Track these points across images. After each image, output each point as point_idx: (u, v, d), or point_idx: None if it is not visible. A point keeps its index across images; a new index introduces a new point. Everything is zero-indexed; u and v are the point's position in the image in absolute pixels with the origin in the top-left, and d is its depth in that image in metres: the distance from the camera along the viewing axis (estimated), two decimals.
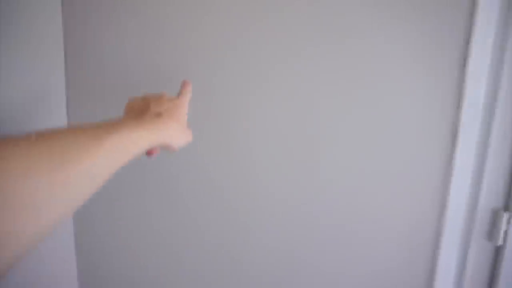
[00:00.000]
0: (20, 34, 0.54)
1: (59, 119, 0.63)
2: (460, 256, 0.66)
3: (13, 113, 0.53)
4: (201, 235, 0.68)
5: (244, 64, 0.62)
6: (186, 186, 0.66)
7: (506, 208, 0.64)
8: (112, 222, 0.68)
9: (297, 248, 0.67)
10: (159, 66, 0.63)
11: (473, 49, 0.57)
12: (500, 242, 0.64)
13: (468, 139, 0.60)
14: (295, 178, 0.65)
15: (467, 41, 0.57)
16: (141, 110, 0.45)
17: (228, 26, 0.61)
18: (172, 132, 0.44)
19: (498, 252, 0.66)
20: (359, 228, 0.66)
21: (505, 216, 0.63)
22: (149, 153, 0.46)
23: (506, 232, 0.63)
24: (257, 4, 0.60)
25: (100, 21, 0.62)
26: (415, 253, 0.66)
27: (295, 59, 0.61)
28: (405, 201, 0.64)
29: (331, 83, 0.61)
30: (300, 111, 0.62)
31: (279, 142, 0.64)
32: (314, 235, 0.67)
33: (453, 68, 0.58)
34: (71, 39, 0.63)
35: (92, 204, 0.60)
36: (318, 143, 0.63)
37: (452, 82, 0.59)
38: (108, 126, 0.34)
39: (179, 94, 0.51)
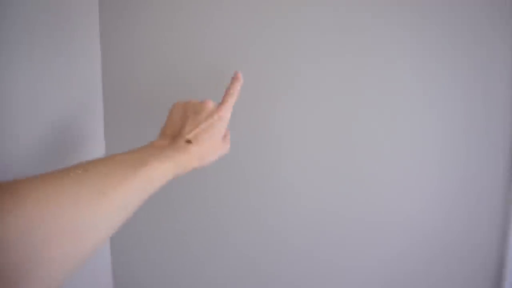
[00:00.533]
0: (56, 48, 0.52)
1: (96, 138, 0.61)
2: None
3: (52, 130, 0.50)
4: (225, 238, 0.65)
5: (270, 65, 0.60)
6: (211, 189, 0.64)
7: None
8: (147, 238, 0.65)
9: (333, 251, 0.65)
10: (199, 76, 0.62)
11: None
12: None
13: None
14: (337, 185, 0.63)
15: None
16: (177, 129, 0.46)
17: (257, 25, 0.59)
18: (201, 156, 0.44)
19: None
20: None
21: None
22: None
23: None
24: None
25: (136, 32, 0.61)
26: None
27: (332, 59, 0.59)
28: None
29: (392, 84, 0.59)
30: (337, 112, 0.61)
31: (308, 143, 0.62)
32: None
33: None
34: (108, 55, 0.61)
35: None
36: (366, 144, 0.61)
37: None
38: (141, 157, 0.37)
39: (223, 98, 0.49)
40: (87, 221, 0.28)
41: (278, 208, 0.64)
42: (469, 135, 0.59)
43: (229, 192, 0.64)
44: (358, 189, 0.62)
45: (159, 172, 0.37)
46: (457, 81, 0.58)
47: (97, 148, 0.62)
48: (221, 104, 0.48)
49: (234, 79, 0.51)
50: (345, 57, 0.58)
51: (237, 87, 0.50)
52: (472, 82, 0.57)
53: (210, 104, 0.47)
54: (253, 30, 0.59)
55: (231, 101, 0.49)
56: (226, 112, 0.48)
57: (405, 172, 0.61)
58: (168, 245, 0.67)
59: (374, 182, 0.61)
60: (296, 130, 0.61)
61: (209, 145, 0.46)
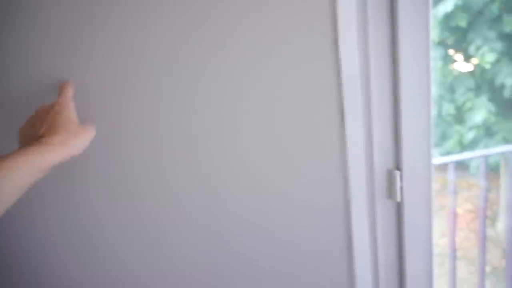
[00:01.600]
0: None
1: None
2: (369, 216, 0.72)
3: None
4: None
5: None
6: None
7: (397, 167, 0.70)
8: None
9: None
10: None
11: (342, 26, 0.63)
12: (398, 198, 0.71)
13: (354, 111, 0.66)
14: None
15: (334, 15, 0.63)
16: (31, 135, 0.52)
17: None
18: (61, 146, 0.49)
19: (400, 208, 0.73)
20: (273, 205, 0.71)
21: (398, 174, 0.69)
22: None
23: (401, 189, 0.70)
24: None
25: None
26: (330, 223, 0.72)
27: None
28: (310, 175, 0.70)
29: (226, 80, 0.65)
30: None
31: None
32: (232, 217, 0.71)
33: (327, 46, 0.64)
34: None
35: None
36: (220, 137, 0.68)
37: (328, 60, 0.64)
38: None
39: (58, 93, 0.55)
40: None
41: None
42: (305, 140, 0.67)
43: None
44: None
45: (18, 178, 0.44)
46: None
47: None
48: (58, 97, 0.55)
49: (61, 85, 0.58)
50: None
51: (67, 86, 0.57)
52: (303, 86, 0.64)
53: (46, 104, 0.55)
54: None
55: (66, 95, 0.55)
56: (64, 104, 0.53)
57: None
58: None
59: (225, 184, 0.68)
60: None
61: (65, 131, 0.50)
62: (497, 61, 4.52)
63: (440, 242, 4.54)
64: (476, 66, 4.74)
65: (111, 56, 0.62)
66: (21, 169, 0.44)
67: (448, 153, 5.05)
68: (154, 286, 0.75)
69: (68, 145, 0.50)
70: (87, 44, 0.62)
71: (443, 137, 5.11)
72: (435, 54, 4.71)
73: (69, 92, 0.56)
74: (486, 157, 1.87)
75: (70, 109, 0.53)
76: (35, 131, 0.52)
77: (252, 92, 0.65)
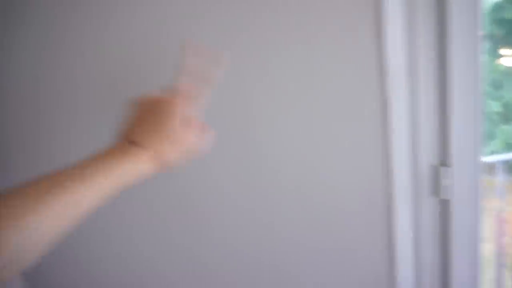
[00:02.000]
0: None
1: None
2: (413, 213, 0.70)
3: None
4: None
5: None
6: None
7: (442, 163, 0.68)
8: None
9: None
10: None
11: (388, 18, 0.61)
12: (444, 195, 0.68)
13: (399, 105, 0.64)
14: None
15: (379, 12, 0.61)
16: (127, 133, 0.44)
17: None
18: (158, 156, 0.42)
19: (445, 206, 0.70)
20: (316, 205, 0.70)
21: (444, 171, 0.67)
22: None
23: (447, 186, 0.67)
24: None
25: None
26: (371, 220, 0.70)
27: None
28: (352, 170, 0.68)
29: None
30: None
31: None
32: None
33: (371, 38, 0.63)
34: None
35: None
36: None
37: (373, 53, 0.63)
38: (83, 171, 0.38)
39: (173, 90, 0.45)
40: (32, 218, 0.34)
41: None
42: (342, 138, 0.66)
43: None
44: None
45: (102, 188, 0.38)
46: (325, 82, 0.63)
47: None
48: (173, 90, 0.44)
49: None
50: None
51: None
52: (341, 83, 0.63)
53: (155, 95, 0.44)
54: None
55: (186, 90, 0.45)
56: (175, 109, 0.43)
57: None
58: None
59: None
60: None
61: (162, 142, 0.42)
62: None
63: (484, 248, 4.27)
64: None
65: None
66: (99, 182, 0.38)
67: (492, 153, 4.77)
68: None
69: (164, 161, 0.43)
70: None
71: (488, 137, 4.83)
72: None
73: (190, 90, 0.45)
74: None
75: (175, 114, 0.43)
76: (132, 129, 0.43)
77: (297, 87, 0.65)
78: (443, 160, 0.67)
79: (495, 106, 4.56)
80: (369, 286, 0.74)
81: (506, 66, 4.52)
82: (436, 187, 0.68)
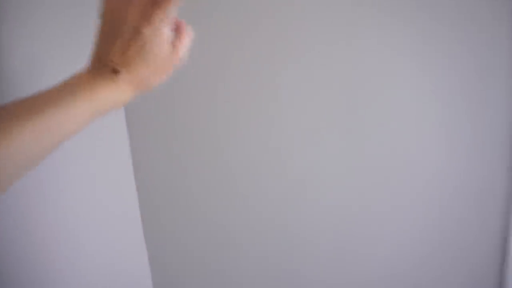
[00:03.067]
0: None
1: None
2: None
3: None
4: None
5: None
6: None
7: None
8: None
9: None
10: None
11: None
12: None
13: None
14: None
15: None
16: (102, 53, 0.35)
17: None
18: (138, 83, 0.36)
19: None
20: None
21: None
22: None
23: None
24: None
25: None
26: (484, 215, 0.66)
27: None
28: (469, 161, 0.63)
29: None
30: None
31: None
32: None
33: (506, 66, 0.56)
34: None
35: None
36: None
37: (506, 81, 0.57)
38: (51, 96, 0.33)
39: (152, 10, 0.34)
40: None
41: (287, 202, 0.70)
42: (470, 135, 0.60)
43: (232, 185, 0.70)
44: (362, 185, 0.66)
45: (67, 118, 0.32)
46: (458, 79, 0.58)
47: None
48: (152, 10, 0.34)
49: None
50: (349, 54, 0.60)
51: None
52: (472, 81, 0.57)
53: (137, 10, 0.34)
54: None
55: (165, 7, 0.34)
56: (162, 21, 0.34)
57: (405, 168, 0.64)
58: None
59: (376, 179, 0.65)
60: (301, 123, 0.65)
61: (147, 67, 0.35)
62: None
63: None
64: None
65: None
66: (79, 106, 0.33)
67: None
68: None
69: (144, 87, 0.37)
70: None
71: None
72: None
73: (171, 8, 0.34)
74: None
75: (163, 35, 0.35)
76: (108, 48, 0.35)
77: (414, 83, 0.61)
78: None
79: None
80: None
81: None
82: None
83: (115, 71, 0.35)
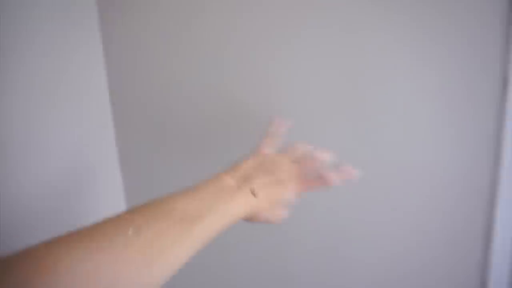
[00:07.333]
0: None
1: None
2: None
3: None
4: None
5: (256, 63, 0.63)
6: None
7: None
8: None
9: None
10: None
11: None
12: None
13: None
14: None
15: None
16: (247, 174, 0.43)
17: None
18: (253, 207, 0.41)
19: None
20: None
21: None
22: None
23: None
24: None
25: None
26: (470, 202, 0.66)
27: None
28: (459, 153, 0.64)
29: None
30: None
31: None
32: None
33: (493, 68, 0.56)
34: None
35: None
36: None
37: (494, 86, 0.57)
38: (202, 206, 0.35)
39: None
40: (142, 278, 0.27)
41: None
42: (457, 133, 0.61)
43: None
44: (360, 190, 0.65)
45: (215, 227, 0.36)
46: (446, 79, 0.59)
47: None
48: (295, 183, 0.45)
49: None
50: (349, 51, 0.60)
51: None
52: (460, 78, 0.58)
53: (289, 166, 0.45)
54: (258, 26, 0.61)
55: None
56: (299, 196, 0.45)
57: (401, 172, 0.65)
58: None
59: (373, 184, 0.65)
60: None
61: (270, 207, 0.43)
62: None
63: None
64: None
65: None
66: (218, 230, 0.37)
67: None
68: None
69: (252, 217, 0.43)
70: None
71: None
72: None
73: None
74: None
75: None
76: (254, 177, 0.43)
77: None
78: None
79: None
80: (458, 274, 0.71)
81: None
82: None
83: (253, 193, 0.40)
